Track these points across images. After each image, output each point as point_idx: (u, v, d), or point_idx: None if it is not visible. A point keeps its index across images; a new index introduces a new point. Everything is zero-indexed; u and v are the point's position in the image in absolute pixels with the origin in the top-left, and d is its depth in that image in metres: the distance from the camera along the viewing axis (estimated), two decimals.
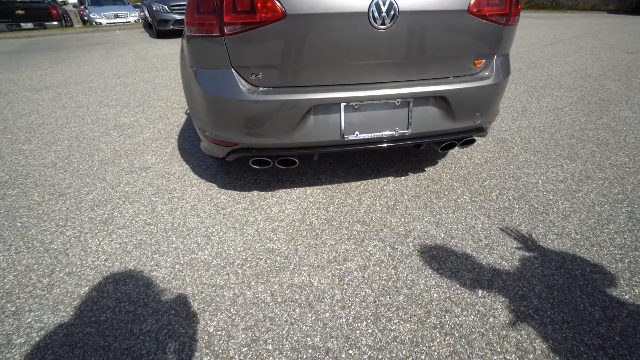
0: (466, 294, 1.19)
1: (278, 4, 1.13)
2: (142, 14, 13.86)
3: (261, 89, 1.29)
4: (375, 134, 1.37)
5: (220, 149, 1.51)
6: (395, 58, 1.26)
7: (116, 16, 12.14)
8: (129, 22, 12.26)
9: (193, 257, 1.38)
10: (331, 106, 1.29)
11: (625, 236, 1.46)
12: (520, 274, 1.27)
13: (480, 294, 1.19)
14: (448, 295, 1.19)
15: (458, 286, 1.22)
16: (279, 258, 1.36)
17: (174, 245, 1.45)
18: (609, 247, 1.40)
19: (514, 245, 1.41)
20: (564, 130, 2.50)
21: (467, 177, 1.89)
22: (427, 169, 1.96)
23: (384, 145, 1.41)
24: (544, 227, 1.51)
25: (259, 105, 1.27)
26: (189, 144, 2.39)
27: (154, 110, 3.11)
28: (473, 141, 1.60)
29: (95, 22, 11.76)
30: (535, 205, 1.66)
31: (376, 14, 1.15)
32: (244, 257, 1.37)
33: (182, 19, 7.56)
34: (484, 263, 1.32)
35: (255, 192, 1.80)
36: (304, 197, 1.74)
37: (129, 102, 3.39)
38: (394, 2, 1.14)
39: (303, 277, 1.27)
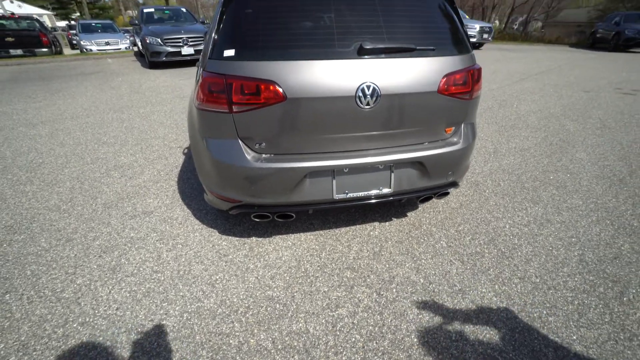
0: (442, 338, 1.37)
1: (280, 89, 1.35)
2: (131, 38, 14.16)
3: (264, 156, 1.50)
4: (363, 192, 1.59)
5: (224, 204, 1.69)
6: (378, 131, 1.50)
7: (107, 44, 12.36)
8: (120, 49, 12.50)
9: (200, 305, 1.52)
10: (324, 171, 1.50)
11: (576, 279, 1.69)
12: (488, 318, 1.47)
13: (453, 338, 1.38)
14: (426, 339, 1.37)
15: (435, 331, 1.40)
16: (278, 305, 1.52)
17: (181, 294, 1.58)
18: (562, 290, 1.63)
19: (483, 290, 1.62)
20: (529, 173, 2.81)
21: (444, 221, 2.12)
22: (409, 214, 2.18)
23: (370, 201, 1.62)
24: (509, 271, 1.74)
25: (262, 171, 1.47)
26: (188, 187, 2.55)
27: (152, 150, 3.26)
28: (447, 193, 1.84)
29: (86, 49, 11.94)
30: (503, 250, 1.89)
31: (362, 97, 1.39)
32: (247, 304, 1.52)
33: (175, 51, 7.86)
34: (457, 308, 1.51)
35: (253, 239, 1.96)
36: (298, 244, 1.92)
37: (126, 140, 3.53)
38: (376, 88, 1.39)
39: (300, 324, 1.43)
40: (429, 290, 1.61)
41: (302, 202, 1.57)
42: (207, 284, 1.64)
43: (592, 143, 3.47)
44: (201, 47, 8.15)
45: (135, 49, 11.78)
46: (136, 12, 49.20)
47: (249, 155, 1.48)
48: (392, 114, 1.46)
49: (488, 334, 1.39)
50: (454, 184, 1.82)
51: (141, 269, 1.74)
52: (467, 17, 15.05)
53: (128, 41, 12.94)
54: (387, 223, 2.10)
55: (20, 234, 2.05)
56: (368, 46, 1.35)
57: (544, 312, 1.51)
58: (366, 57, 1.36)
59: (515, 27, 36.87)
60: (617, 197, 2.46)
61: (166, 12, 9.82)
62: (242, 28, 1.39)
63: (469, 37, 1.64)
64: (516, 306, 1.53)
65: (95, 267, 1.76)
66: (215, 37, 1.42)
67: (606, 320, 1.47)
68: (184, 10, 10.09)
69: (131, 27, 12.67)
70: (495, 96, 5.38)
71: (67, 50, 15.21)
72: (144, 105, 4.88)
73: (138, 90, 5.86)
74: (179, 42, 7.94)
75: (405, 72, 1.41)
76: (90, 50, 11.96)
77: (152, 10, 9.49)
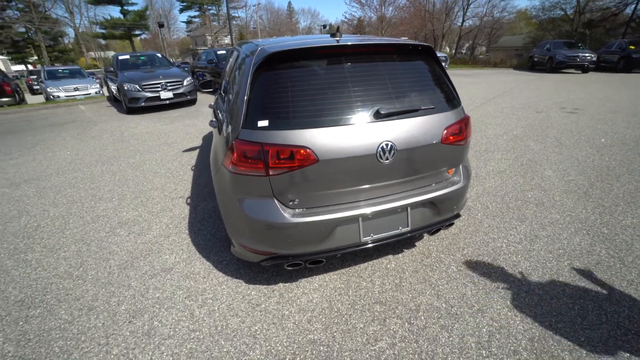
0: (475, 356, 1.54)
1: (313, 153, 1.54)
2: (97, 80, 13.94)
3: (297, 211, 1.66)
4: (385, 233, 1.78)
5: (256, 256, 1.80)
6: (395, 179, 1.72)
7: (76, 89, 12.10)
8: (90, 94, 12.28)
9: (247, 359, 1.58)
10: (352, 219, 1.68)
11: (572, 287, 1.95)
12: (509, 332, 1.66)
13: (484, 355, 1.54)
14: (462, 359, 1.53)
15: (467, 350, 1.57)
16: (322, 347, 1.62)
17: (225, 349, 1.63)
18: (562, 298, 1.87)
19: (498, 307, 1.82)
20: (510, 193, 3.16)
21: (449, 247, 2.35)
22: (417, 244, 2.39)
23: (392, 240, 1.81)
24: (515, 286, 1.96)
25: (297, 225, 1.62)
26: (202, 239, 2.60)
27: (154, 202, 3.28)
28: (453, 224, 2.08)
29: (53, 97, 11.61)
30: (505, 268, 2.13)
31: (381, 154, 1.61)
32: (292, 351, 1.61)
33: (153, 96, 7.94)
34: (480, 326, 1.70)
35: (281, 285, 2.06)
36: (324, 285, 2.04)
37: (124, 194, 3.52)
38: (393, 145, 1.62)
39: None
40: (452, 313, 1.79)
41: (332, 249, 1.73)
42: (249, 336, 1.70)
43: (555, 160, 3.96)
44: (180, 91, 8.32)
45: (107, 93, 11.64)
46: (99, 53, 48.67)
47: (284, 212, 1.63)
48: (406, 164, 1.69)
49: (512, 346, 1.58)
50: (458, 215, 2.06)
51: (177, 329, 1.77)
52: None
53: (97, 85, 12.78)
54: (400, 255, 2.28)
55: (35, 308, 1.99)
56: (384, 111, 1.60)
57: (553, 320, 1.73)
58: (382, 120, 1.61)
59: (464, 52, 40.62)
60: (586, 208, 2.84)
61: (141, 57, 9.94)
62: (272, 100, 1.59)
63: (456, 91, 1.95)
64: (529, 318, 1.73)
65: (128, 334, 1.76)
66: (247, 107, 1.61)
67: (604, 320, 1.72)
68: (158, 55, 10.28)
69: (101, 72, 12.54)
70: None
71: (29, 98, 14.69)
72: (132, 154, 4.87)
73: (121, 138, 5.82)
74: (157, 87, 8.05)
75: (414, 129, 1.66)
76: (58, 97, 11.65)
77: (127, 56, 9.58)
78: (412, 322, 1.74)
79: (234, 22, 58.31)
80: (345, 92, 1.61)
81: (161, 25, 28.77)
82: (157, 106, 8.30)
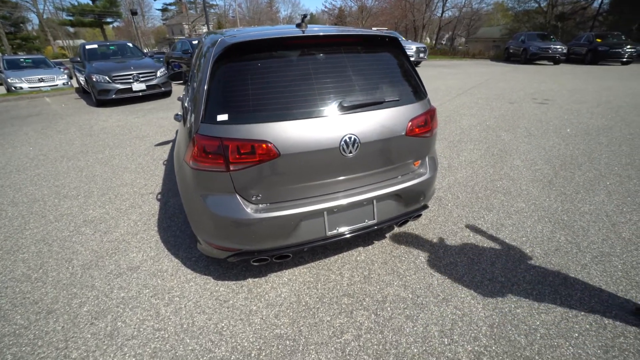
0: (437, 344, 1.58)
1: (274, 147, 1.51)
2: (66, 71, 13.17)
3: (261, 206, 1.63)
4: (351, 226, 1.78)
5: (222, 253, 1.77)
6: (360, 173, 1.72)
7: (41, 80, 11.40)
8: (57, 85, 11.62)
9: (212, 356, 1.56)
10: (317, 213, 1.67)
11: (531, 273, 2.03)
12: (471, 320, 1.72)
13: (446, 342, 1.59)
14: (425, 348, 1.57)
15: (430, 339, 1.61)
16: (288, 342, 1.62)
17: (190, 347, 1.61)
18: (522, 284, 1.95)
19: (462, 295, 1.87)
20: (480, 183, 3.24)
21: (419, 238, 2.39)
22: (387, 235, 2.42)
23: (358, 233, 1.82)
24: (479, 275, 2.03)
25: (261, 221, 1.60)
26: (171, 236, 2.54)
27: (123, 199, 3.17)
28: (420, 215, 2.11)
29: (15, 88, 10.91)
30: (471, 257, 2.19)
31: (345, 147, 1.60)
32: (258, 346, 1.60)
33: (125, 88, 7.60)
34: (444, 314, 1.75)
35: (250, 280, 2.04)
36: (294, 279, 2.03)
37: (90, 190, 3.38)
38: (356, 138, 1.61)
39: (312, 356, 1.54)
40: (418, 303, 1.83)
41: (298, 243, 1.72)
42: (215, 333, 1.68)
43: (524, 150, 4.09)
44: (153, 82, 8.00)
45: (77, 85, 11.04)
46: (67, 42, 45.94)
47: (247, 207, 1.60)
48: (370, 157, 1.69)
49: (473, 333, 1.63)
50: (425, 207, 2.09)
51: (141, 329, 1.73)
52: (402, 38, 16.54)
53: (65, 76, 12.08)
54: (370, 247, 2.31)
55: None
56: (347, 104, 1.58)
57: (512, 305, 1.80)
58: (345, 112, 1.59)
59: (444, 42, 41.09)
60: (549, 196, 2.96)
61: (111, 47, 9.46)
62: (233, 93, 1.54)
63: (422, 83, 1.96)
64: (490, 305, 1.80)
65: (89, 336, 1.70)
66: (207, 100, 1.55)
67: (558, 303, 1.80)
68: (130, 44, 9.80)
69: (68, 62, 11.87)
70: (440, 112, 6.03)
71: None
72: (101, 149, 4.66)
73: (90, 132, 5.55)
74: (129, 78, 7.71)
75: (378, 122, 1.66)
76: (21, 88, 10.95)
77: (95, 46, 9.07)
78: (379, 313, 1.77)
79: (213, 10, 56.35)
80: (308, 85, 1.58)
81: (134, 13, 27.43)
82: (129, 98, 7.96)
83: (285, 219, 1.62)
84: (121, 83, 7.62)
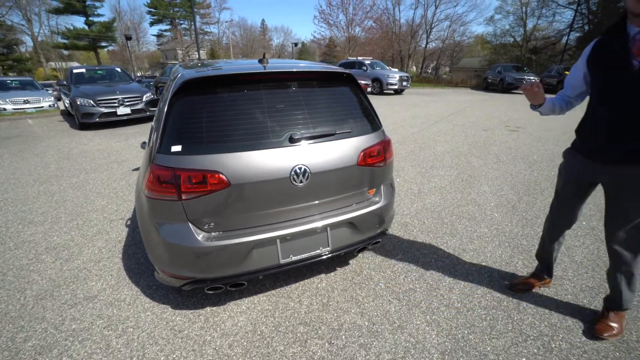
0: None
1: (225, 177, 1.57)
2: (54, 93, 13.19)
3: (213, 234, 1.66)
4: (305, 254, 1.81)
5: (177, 281, 1.76)
6: (312, 201, 1.78)
7: (26, 102, 11.38)
8: (42, 107, 11.60)
9: None
10: (269, 241, 1.71)
11: (487, 298, 2.08)
12: (423, 347, 1.73)
13: None
14: None
15: None
16: None
17: None
18: (477, 310, 1.98)
19: (417, 322, 1.89)
20: (447, 209, 3.34)
21: (381, 264, 2.43)
22: (350, 262, 2.45)
23: (312, 261, 1.85)
24: (436, 301, 2.06)
25: (212, 249, 1.62)
26: (135, 263, 2.51)
27: (91, 225, 3.13)
28: (379, 242, 2.16)
29: None
30: (430, 283, 2.23)
31: (295, 177, 1.67)
32: None
33: (109, 112, 7.67)
34: (398, 342, 1.76)
35: (208, 309, 2.02)
36: (252, 307, 2.02)
37: (59, 216, 3.33)
38: (307, 168, 1.69)
39: None
40: (373, 330, 1.84)
41: (251, 271, 1.74)
42: None
43: (492, 176, 4.25)
44: (139, 107, 8.10)
45: (62, 107, 11.05)
46: (60, 64, 46.26)
47: (199, 235, 1.63)
48: (322, 187, 1.76)
49: None
50: (383, 233, 2.15)
51: None
52: (387, 67, 17.32)
53: (52, 98, 12.09)
54: (332, 273, 2.33)
55: None
56: (297, 136, 1.67)
57: (466, 331, 1.83)
58: (296, 144, 1.68)
59: (429, 71, 43.12)
60: (511, 221, 3.06)
61: (99, 72, 9.61)
62: (187, 125, 1.61)
63: (377, 115, 2.08)
64: (444, 332, 1.82)
65: None
66: (163, 131, 1.62)
67: (509, 328, 1.84)
68: (118, 69, 9.99)
69: (55, 84, 11.95)
70: (416, 139, 6.26)
71: None
72: (77, 173, 4.63)
73: (68, 156, 5.52)
74: (114, 102, 7.80)
75: (329, 153, 1.74)
76: (4, 109, 10.87)
77: (83, 70, 9.22)
78: (333, 342, 1.77)
79: (206, 37, 58.12)
80: (260, 118, 1.67)
81: (128, 38, 28.04)
82: (114, 122, 8.01)
83: (237, 246, 1.65)
84: (106, 107, 7.70)
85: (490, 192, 3.75)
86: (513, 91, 16.59)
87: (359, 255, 2.53)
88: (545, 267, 2.13)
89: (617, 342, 1.73)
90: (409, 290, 2.16)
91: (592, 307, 1.98)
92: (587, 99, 1.68)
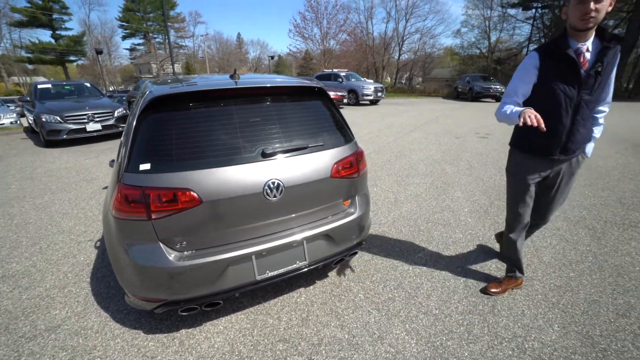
0: None
1: (196, 195, 1.54)
2: (17, 109, 12.52)
3: (186, 253, 1.61)
4: (282, 269, 1.79)
5: (148, 304, 1.69)
6: (286, 215, 1.77)
7: None
8: (3, 124, 10.96)
9: None
10: (245, 257, 1.68)
11: (464, 303, 2.13)
12: (404, 357, 1.73)
13: None
14: None
15: None
16: None
17: None
18: (455, 315, 2.02)
19: (397, 332, 1.90)
20: (423, 216, 3.42)
21: (360, 275, 2.44)
22: (329, 274, 2.44)
23: (290, 275, 1.83)
24: (415, 309, 2.08)
25: (185, 268, 1.57)
26: (104, 287, 2.38)
27: (56, 249, 2.95)
28: (356, 253, 2.18)
29: None
30: (409, 291, 2.26)
31: (269, 192, 1.66)
32: None
33: (78, 129, 7.36)
34: (377, 354, 1.75)
35: (183, 331, 1.93)
36: (230, 326, 1.96)
37: (19, 241, 3.11)
38: (280, 182, 1.69)
39: None
40: (353, 343, 1.83)
41: (227, 289, 1.69)
42: None
43: (465, 182, 4.41)
44: (110, 122, 7.82)
45: (26, 124, 10.48)
46: (24, 78, 44.02)
47: (171, 255, 1.58)
48: (296, 200, 1.76)
49: None
50: (361, 244, 2.17)
51: None
52: (363, 79, 17.78)
53: (14, 115, 11.45)
54: (311, 287, 2.31)
55: None
56: (269, 150, 1.67)
57: (444, 338, 1.85)
58: (269, 158, 1.68)
59: (403, 82, 44.68)
60: (484, 225, 3.17)
61: (66, 87, 9.23)
62: (156, 143, 1.57)
63: (349, 127, 2.12)
64: (423, 340, 1.84)
65: None
66: (131, 149, 1.57)
67: (485, 332, 1.89)
68: (87, 84, 9.64)
69: (17, 100, 11.37)
70: (392, 149, 6.42)
71: None
72: (41, 194, 4.37)
73: (31, 175, 5.21)
74: (83, 118, 7.50)
75: (302, 166, 1.75)
76: None
77: (48, 85, 8.82)
78: (313, 358, 1.74)
79: (181, 51, 57.52)
80: (232, 133, 1.66)
81: (99, 52, 27.14)
82: (84, 138, 7.69)
83: (211, 265, 1.61)
84: (74, 123, 7.38)
85: (463, 197, 3.88)
86: (482, 99, 17.51)
87: (338, 266, 2.53)
88: (517, 265, 2.20)
89: (583, 338, 1.82)
90: (388, 299, 2.17)
91: (560, 305, 2.07)
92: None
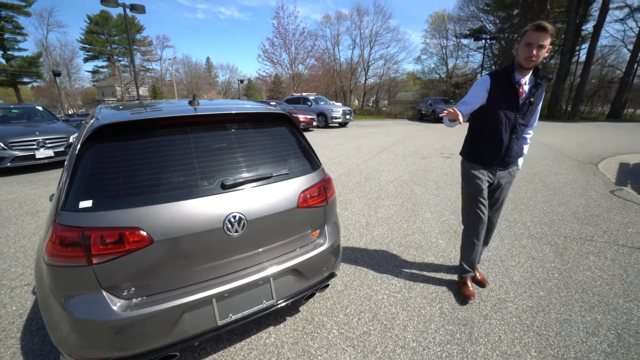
0: None
1: (145, 233, 1.37)
2: None
3: (134, 301, 1.41)
4: (247, 311, 1.62)
5: None
6: (250, 251, 1.63)
7: None
8: None
9: None
10: (204, 301, 1.50)
11: (441, 332, 2.05)
12: None
13: None
14: None
15: None
16: None
17: None
18: (433, 347, 1.93)
19: None
20: (395, 239, 3.39)
21: (333, 307, 2.31)
22: (301, 309, 2.28)
23: (256, 316, 1.67)
24: (392, 342, 1.97)
25: (133, 319, 1.36)
26: (38, 341, 2.04)
27: None
28: (328, 285, 2.05)
29: None
30: (385, 322, 2.15)
31: (229, 226, 1.52)
32: None
33: (26, 155, 6.74)
34: None
35: None
36: None
37: None
38: (242, 216, 1.56)
39: None
40: None
41: (184, 339, 1.49)
42: None
43: (433, 202, 4.49)
44: (63, 149, 7.25)
45: None
46: None
47: (116, 305, 1.37)
48: (261, 234, 1.64)
49: None
50: (332, 275, 2.05)
51: None
52: (331, 102, 18.26)
53: None
54: (281, 325, 2.13)
55: None
56: (229, 181, 1.55)
57: None
58: (229, 190, 1.55)
59: (370, 104, 46.60)
60: (455, 247, 3.19)
61: (14, 110, 8.52)
62: (100, 176, 1.40)
63: (315, 154, 2.05)
64: None
65: None
66: (70, 184, 1.38)
67: None
68: (39, 108, 8.97)
69: None
70: (361, 170, 6.48)
71: None
72: None
73: None
74: (33, 144, 6.89)
75: (266, 197, 1.64)
76: None
77: None
78: None
79: (148, 74, 56.33)
80: (188, 164, 1.52)
81: (57, 74, 25.79)
82: (35, 166, 7.04)
83: (164, 313, 1.41)
84: (21, 149, 6.76)
85: (433, 218, 3.93)
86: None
87: (311, 299, 2.38)
88: (473, 266, 2.45)
89: None
90: (363, 334, 2.05)
91: (534, 327, 2.06)
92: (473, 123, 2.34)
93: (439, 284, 2.57)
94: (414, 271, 2.77)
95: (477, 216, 2.30)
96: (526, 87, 2.06)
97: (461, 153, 2.42)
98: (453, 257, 3.00)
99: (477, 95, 2.14)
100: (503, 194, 2.36)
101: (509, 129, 2.12)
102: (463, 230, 2.46)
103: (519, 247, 3.16)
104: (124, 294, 1.40)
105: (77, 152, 1.44)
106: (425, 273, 2.74)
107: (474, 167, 2.28)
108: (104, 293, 1.37)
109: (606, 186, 5.25)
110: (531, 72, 2.04)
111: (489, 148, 2.18)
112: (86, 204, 1.34)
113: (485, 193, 2.27)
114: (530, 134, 2.33)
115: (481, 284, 2.52)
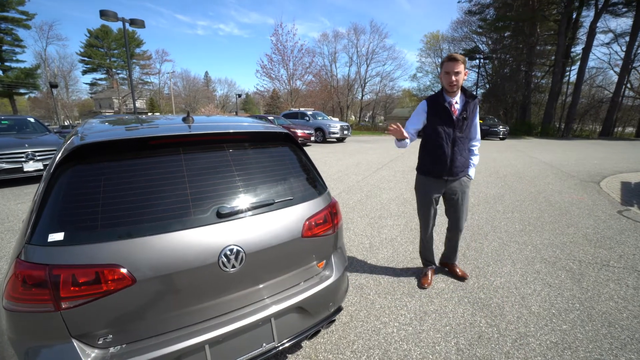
0: None
1: (126, 271, 1.17)
2: None
3: (112, 350, 1.19)
4: (244, 356, 1.41)
5: None
6: (249, 288, 1.43)
7: None
8: None
9: None
10: (195, 349, 1.29)
11: None
12: None
13: None
14: None
15: None
16: None
17: None
18: None
19: None
20: (401, 263, 3.18)
21: (339, 342, 2.08)
22: (303, 344, 2.05)
23: None
24: None
25: None
26: None
27: None
28: (334, 321, 1.84)
29: None
30: None
31: (225, 262, 1.33)
32: None
33: (13, 168, 6.50)
34: None
35: None
36: None
37: None
38: (240, 249, 1.36)
39: None
40: None
41: None
42: None
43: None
44: None
45: None
46: None
47: (89, 356, 1.15)
48: (261, 269, 1.44)
49: None
50: (339, 310, 1.84)
51: None
52: (328, 117, 18.32)
53: None
54: None
55: None
56: (226, 210, 1.37)
57: None
58: (226, 219, 1.37)
59: (367, 120, 47.12)
60: (465, 270, 2.99)
61: (4, 122, 8.30)
62: (74, 204, 1.21)
63: (321, 176, 1.89)
64: None
65: None
66: (38, 214, 1.19)
67: None
68: (31, 119, 8.78)
69: None
70: (362, 187, 6.32)
71: None
72: None
73: None
74: (20, 156, 6.65)
75: (267, 226, 1.46)
76: None
77: None
78: None
79: (147, 87, 56.64)
80: (179, 190, 1.34)
81: (54, 86, 25.69)
82: (23, 179, 6.78)
83: None
84: (7, 162, 6.51)
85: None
86: None
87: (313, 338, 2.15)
88: (430, 260, 2.90)
89: None
90: None
91: None
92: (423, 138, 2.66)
93: (453, 315, 2.36)
94: (424, 300, 2.56)
95: (426, 220, 2.75)
96: (457, 106, 2.44)
97: (416, 168, 2.76)
98: (463, 283, 2.80)
99: (418, 116, 2.55)
100: (460, 198, 2.65)
101: (449, 143, 2.45)
102: (419, 233, 2.89)
103: (532, 272, 2.97)
104: (99, 342, 1.18)
105: (50, 173, 1.25)
106: (436, 301, 2.53)
107: (426, 179, 2.64)
108: (75, 342, 1.15)
109: (612, 206, 5.13)
110: (460, 92, 2.44)
111: (435, 160, 2.52)
112: (56, 236, 1.15)
113: (434, 201, 2.67)
114: (476, 146, 2.65)
115: (462, 278, 2.83)
